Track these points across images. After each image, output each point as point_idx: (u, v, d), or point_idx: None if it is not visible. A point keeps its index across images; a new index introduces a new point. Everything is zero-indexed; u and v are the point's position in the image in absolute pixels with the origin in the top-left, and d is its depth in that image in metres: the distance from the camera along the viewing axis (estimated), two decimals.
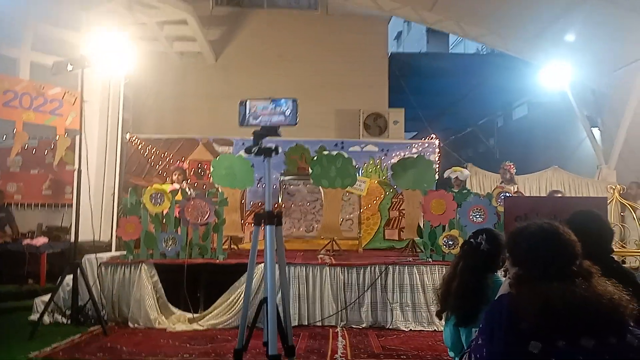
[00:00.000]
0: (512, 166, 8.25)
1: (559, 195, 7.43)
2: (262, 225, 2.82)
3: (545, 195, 8.60)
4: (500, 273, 2.79)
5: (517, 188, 8.10)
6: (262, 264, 5.21)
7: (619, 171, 9.26)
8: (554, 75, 9.68)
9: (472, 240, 2.81)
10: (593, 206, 5.06)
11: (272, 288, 2.69)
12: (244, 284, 5.81)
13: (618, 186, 7.89)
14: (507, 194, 6.70)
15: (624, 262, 6.50)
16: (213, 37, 11.01)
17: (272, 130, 2.90)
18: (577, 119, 10.14)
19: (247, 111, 2.92)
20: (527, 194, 8.98)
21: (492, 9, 9.63)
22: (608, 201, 6.82)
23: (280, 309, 2.82)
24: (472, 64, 14.48)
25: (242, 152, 8.80)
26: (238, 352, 2.83)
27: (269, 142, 3.01)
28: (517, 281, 1.80)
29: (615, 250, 6.20)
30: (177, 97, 10.69)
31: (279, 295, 3.08)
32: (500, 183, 8.33)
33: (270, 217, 2.81)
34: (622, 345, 1.59)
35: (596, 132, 10.01)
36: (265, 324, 2.68)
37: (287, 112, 2.89)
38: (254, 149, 2.86)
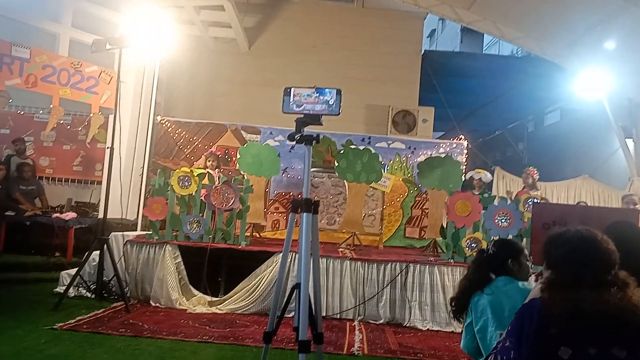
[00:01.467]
0: (535, 172, 8.11)
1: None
2: (299, 212, 2.85)
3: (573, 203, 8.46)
4: (532, 278, 2.79)
5: (541, 195, 7.98)
6: (283, 254, 5.27)
7: None
8: (589, 82, 9.46)
9: (483, 249, 3.01)
10: (624, 218, 4.99)
11: (305, 274, 2.72)
12: (265, 271, 5.89)
13: None
14: (536, 200, 6.59)
15: None
16: (248, 24, 11.06)
17: (314, 118, 2.92)
18: (611, 129, 9.92)
19: (291, 98, 2.94)
20: (555, 202, 8.85)
21: (531, 11, 9.44)
22: None
23: (312, 296, 2.85)
24: (506, 66, 14.21)
25: (269, 141, 8.86)
26: (268, 334, 2.88)
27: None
28: (550, 286, 1.78)
29: None
30: (208, 82, 10.78)
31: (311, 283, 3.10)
32: (523, 188, 8.21)
33: (308, 205, 2.84)
34: None
35: (630, 143, 9.78)
36: (297, 310, 2.72)
37: (331, 102, 2.91)
38: (296, 136, 2.88)
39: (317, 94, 2.90)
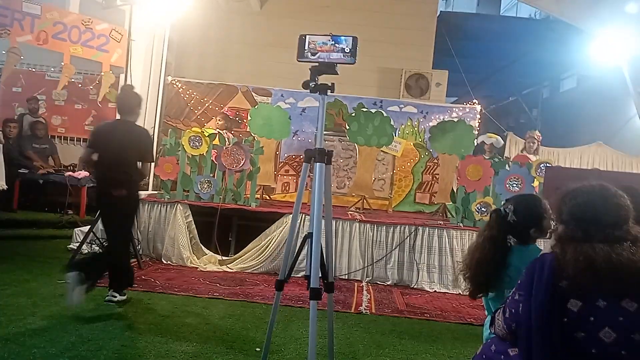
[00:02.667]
0: (539, 135, 7.81)
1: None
2: (312, 162, 2.85)
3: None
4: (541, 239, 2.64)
5: (539, 159, 7.72)
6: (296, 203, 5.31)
7: None
8: (608, 47, 9.21)
9: (500, 209, 2.58)
10: (639, 182, 4.94)
11: (317, 223, 2.74)
12: (275, 232, 5.96)
13: None
14: (549, 164, 6.51)
15: None
16: None
17: (330, 67, 2.88)
18: (628, 96, 9.70)
19: (306, 46, 2.90)
20: None
21: None
22: None
23: (323, 246, 2.87)
24: (524, 30, 13.83)
25: (280, 103, 8.79)
26: (280, 282, 2.93)
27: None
28: (561, 240, 1.78)
29: None
30: (219, 43, 10.63)
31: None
32: (522, 151, 7.96)
33: (322, 155, 2.83)
34: None
35: None
36: (309, 258, 2.76)
37: (347, 50, 2.87)
38: (311, 83, 2.85)
39: (333, 42, 2.85)
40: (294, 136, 8.75)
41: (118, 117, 4.37)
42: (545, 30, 12.70)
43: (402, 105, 9.49)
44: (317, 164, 2.81)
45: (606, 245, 1.63)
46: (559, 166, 6.83)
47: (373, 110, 7.70)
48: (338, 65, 2.87)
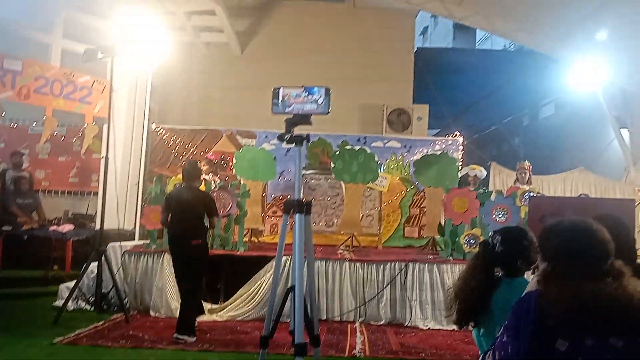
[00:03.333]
0: (530, 166, 7.96)
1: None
2: (291, 213, 2.84)
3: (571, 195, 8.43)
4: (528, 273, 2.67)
5: (534, 188, 7.83)
6: (285, 257, 5.26)
7: None
8: (583, 74, 9.46)
9: (488, 240, 2.63)
10: (620, 208, 5.00)
11: (300, 277, 2.71)
12: (264, 277, 5.88)
13: None
14: (532, 194, 6.58)
15: None
16: (240, 28, 11.03)
17: (304, 118, 2.92)
18: (606, 120, 9.91)
19: (280, 99, 2.94)
20: (552, 195, 8.83)
21: (522, 4, 9.43)
22: (635, 204, 6.68)
23: (307, 298, 2.84)
24: (499, 61, 14.24)
25: (265, 145, 8.84)
26: (264, 338, 2.87)
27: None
28: (546, 278, 1.77)
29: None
30: (202, 87, 10.75)
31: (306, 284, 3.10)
32: (515, 183, 8.10)
33: (300, 206, 2.83)
34: None
35: (625, 133, 9.78)
36: (292, 313, 2.71)
37: (320, 101, 2.91)
38: (286, 136, 2.88)
39: (306, 93, 2.89)
40: (280, 177, 8.77)
41: (184, 184, 5.23)
42: (521, 60, 13.06)
43: (385, 141, 9.61)
44: (297, 215, 2.81)
45: (591, 283, 1.63)
46: (543, 195, 6.91)
47: (357, 148, 7.77)
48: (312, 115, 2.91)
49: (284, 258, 5.25)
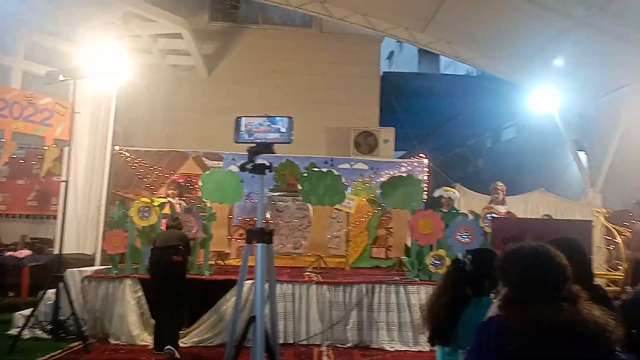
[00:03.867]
0: (503, 187, 8.10)
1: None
2: (253, 242, 2.81)
3: (532, 216, 8.63)
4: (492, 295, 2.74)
5: (507, 209, 8.02)
6: (250, 281, 5.18)
7: (605, 195, 9.36)
8: (542, 99, 9.81)
9: (460, 258, 2.76)
10: (579, 229, 5.14)
11: (261, 307, 2.67)
12: (230, 301, 5.78)
13: (604, 210, 7.99)
14: (495, 215, 6.72)
15: (608, 285, 6.54)
16: (207, 51, 11.06)
17: (267, 147, 2.92)
18: (565, 143, 10.26)
19: (243, 127, 2.94)
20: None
21: (484, 32, 9.78)
22: (593, 224, 6.89)
23: (269, 326, 2.80)
24: (463, 85, 14.64)
25: (232, 167, 8.79)
26: None
27: (262, 158, 3.02)
28: (506, 303, 1.80)
29: (599, 273, 6.25)
30: (168, 110, 10.68)
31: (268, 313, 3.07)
32: (490, 203, 8.27)
33: (262, 235, 2.81)
34: None
35: (582, 155, 10.13)
36: (254, 344, 2.66)
37: (283, 130, 2.92)
38: (248, 165, 2.87)
39: (269, 123, 2.90)
40: (246, 199, 8.70)
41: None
42: (484, 85, 13.44)
43: (352, 163, 9.71)
44: (259, 244, 2.78)
45: (549, 307, 1.66)
46: (504, 217, 7.04)
47: (324, 170, 7.81)
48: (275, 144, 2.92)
49: (248, 283, 5.19)
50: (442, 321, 2.53)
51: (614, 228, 7.56)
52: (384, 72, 13.13)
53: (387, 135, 10.90)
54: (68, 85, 7.46)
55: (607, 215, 7.80)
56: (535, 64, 9.83)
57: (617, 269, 7.00)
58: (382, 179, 8.92)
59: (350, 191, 8.99)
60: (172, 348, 4.94)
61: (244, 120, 2.92)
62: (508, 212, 7.60)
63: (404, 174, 8.74)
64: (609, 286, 6.55)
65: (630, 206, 7.48)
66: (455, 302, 2.55)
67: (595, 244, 6.89)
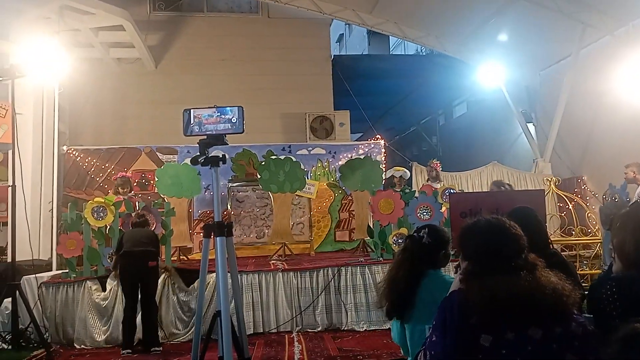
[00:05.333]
0: (438, 164, 8.39)
1: (507, 184, 7.52)
2: (212, 236, 2.75)
3: (487, 189, 8.87)
4: (452, 269, 2.83)
5: (443, 185, 8.21)
6: (214, 274, 5.12)
7: (554, 164, 9.74)
8: (489, 74, 10.06)
9: (415, 234, 2.83)
10: (532, 198, 5.33)
11: (225, 301, 2.63)
12: (195, 294, 5.70)
13: (554, 178, 8.31)
14: (452, 191, 6.88)
15: (563, 250, 6.84)
16: (152, 42, 10.72)
17: (218, 138, 2.85)
18: (513, 116, 10.58)
19: (192, 120, 2.85)
20: (470, 190, 9.27)
21: (429, 11, 9.91)
22: (545, 193, 7.17)
23: (234, 320, 2.77)
24: (413, 65, 14.82)
25: (187, 160, 8.60)
26: None
27: (215, 150, 2.96)
28: (467, 276, 1.84)
29: (553, 240, 6.52)
30: (116, 105, 10.33)
31: (232, 306, 3.03)
32: (427, 181, 8.50)
33: (221, 228, 2.75)
34: (567, 333, 1.65)
35: (531, 127, 10.48)
36: (220, 337, 2.62)
37: (234, 120, 2.85)
38: (200, 158, 2.79)
39: (219, 113, 2.83)
40: (205, 191, 8.57)
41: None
42: (433, 63, 13.65)
43: (310, 148, 9.69)
44: (218, 238, 2.73)
45: (507, 277, 1.71)
46: (462, 192, 7.25)
47: (282, 157, 7.77)
48: (227, 135, 2.86)
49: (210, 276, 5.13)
50: (400, 294, 2.59)
51: (565, 195, 7.88)
52: (335, 56, 13.11)
53: (342, 118, 10.93)
54: (6, 85, 7.09)
55: (557, 184, 8.11)
56: (480, 40, 10.06)
57: (570, 234, 7.31)
58: (340, 163, 8.95)
59: (310, 177, 8.99)
60: (158, 348, 5.17)
61: (192, 113, 2.84)
62: (444, 188, 7.78)
63: (362, 156, 8.80)
64: (564, 251, 6.85)
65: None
66: (413, 275, 2.63)
67: (548, 211, 7.15)
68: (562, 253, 4.51)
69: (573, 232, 7.27)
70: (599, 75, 8.22)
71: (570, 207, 7.61)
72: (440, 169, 8.43)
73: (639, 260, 1.93)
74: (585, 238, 7.29)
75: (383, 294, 2.70)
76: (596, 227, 7.39)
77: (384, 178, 8.60)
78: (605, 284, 1.96)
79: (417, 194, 6.83)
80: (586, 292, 2.15)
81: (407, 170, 8.66)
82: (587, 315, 1.96)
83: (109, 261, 5.87)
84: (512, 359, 1.61)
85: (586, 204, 7.82)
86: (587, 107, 8.69)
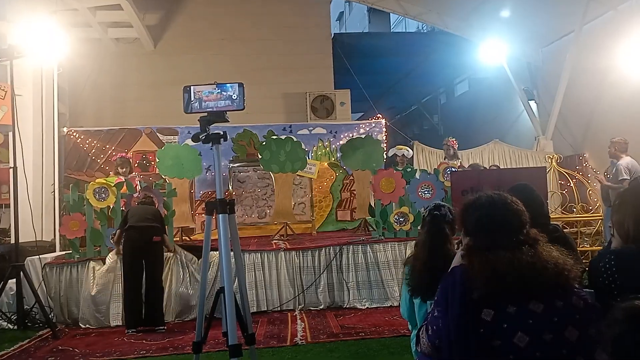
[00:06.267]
0: (455, 142, 8.35)
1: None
2: (215, 214, 2.76)
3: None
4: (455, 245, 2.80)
5: (461, 163, 8.27)
6: (216, 252, 5.15)
7: (555, 141, 9.70)
8: (491, 51, 9.96)
9: (436, 212, 2.73)
10: (534, 176, 5.33)
11: (228, 277, 2.64)
12: (199, 274, 5.74)
13: (555, 155, 8.29)
14: (453, 169, 6.87)
15: (564, 227, 6.85)
16: (150, 22, 10.61)
17: (219, 115, 2.82)
18: (515, 93, 10.50)
19: (192, 97, 2.83)
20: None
21: None
22: (547, 170, 7.16)
23: (238, 297, 2.79)
24: (414, 43, 14.67)
25: (188, 141, 8.59)
26: (197, 344, 2.79)
27: (216, 128, 2.95)
28: (468, 252, 1.84)
29: (555, 217, 6.52)
30: (116, 86, 10.27)
31: (236, 284, 3.05)
32: (444, 159, 8.48)
33: (223, 206, 2.74)
34: (568, 307, 1.67)
35: (533, 105, 10.41)
36: (224, 314, 2.65)
37: (234, 97, 2.82)
38: (201, 135, 2.78)
39: (219, 90, 2.80)
40: (207, 172, 8.57)
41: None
42: (434, 41, 13.51)
43: (311, 128, 9.66)
44: (220, 215, 2.72)
45: (508, 252, 1.71)
46: (462, 169, 7.22)
47: (283, 137, 7.74)
48: (228, 112, 2.83)
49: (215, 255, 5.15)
50: (436, 274, 2.41)
51: (566, 173, 7.87)
52: (335, 34, 12.98)
53: (343, 97, 10.86)
54: (4, 67, 7.04)
55: (559, 161, 8.09)
56: (482, 17, 9.93)
57: (571, 212, 7.32)
58: (341, 142, 8.93)
59: (311, 157, 8.98)
60: (163, 327, 5.21)
61: (192, 90, 2.81)
62: (460, 166, 7.83)
63: (363, 136, 8.77)
64: (565, 228, 6.86)
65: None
66: (442, 254, 2.50)
67: (550, 189, 7.15)
68: (563, 230, 4.52)
69: (574, 210, 7.28)
70: (601, 51, 8.14)
71: (572, 185, 7.60)
72: (457, 146, 8.37)
73: (637, 236, 1.94)
74: (586, 215, 7.30)
75: (417, 274, 2.56)
76: (597, 204, 7.39)
77: (385, 157, 8.59)
78: (604, 258, 1.98)
79: (417, 174, 6.83)
80: (586, 268, 2.16)
81: (409, 149, 8.65)
82: (587, 289, 1.97)
83: (111, 242, 5.90)
84: (513, 332, 1.62)
85: (587, 181, 7.81)
86: (589, 84, 8.62)
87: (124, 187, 6.22)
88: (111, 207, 6.10)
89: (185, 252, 5.90)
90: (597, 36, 8.29)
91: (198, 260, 5.82)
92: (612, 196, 6.15)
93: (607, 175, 6.76)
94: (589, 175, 7.88)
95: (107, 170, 8.41)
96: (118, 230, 5.53)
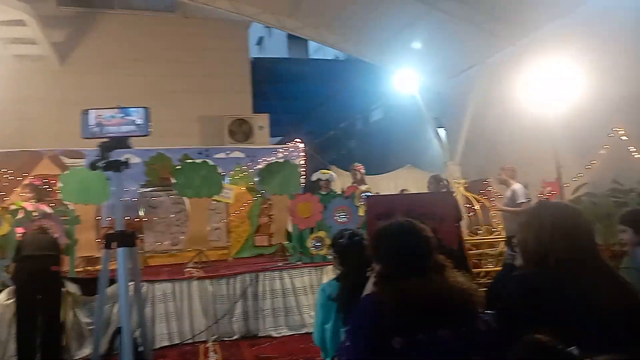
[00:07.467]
0: (361, 167, 8.52)
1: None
2: (113, 247, 2.58)
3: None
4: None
5: (369, 188, 8.37)
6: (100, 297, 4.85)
7: (463, 166, 10.23)
8: (404, 80, 10.39)
9: (347, 239, 2.73)
10: (443, 200, 5.54)
11: (126, 316, 2.47)
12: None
13: (462, 180, 8.73)
14: (369, 193, 7.01)
15: (470, 249, 7.18)
16: (57, 39, 10.04)
17: (121, 141, 2.67)
18: (426, 120, 11.00)
19: (92, 121, 2.66)
20: (386, 192, 9.50)
21: (347, 16, 10.07)
22: (454, 194, 7.49)
23: (138, 334, 2.61)
24: (332, 69, 15.05)
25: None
26: None
27: (126, 154, 2.79)
28: (380, 279, 1.85)
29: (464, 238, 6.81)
30: (16, 105, 9.56)
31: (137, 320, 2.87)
32: (352, 183, 8.62)
33: (124, 238, 2.57)
34: (472, 331, 1.71)
35: (442, 132, 10.95)
36: (121, 357, 2.46)
37: (139, 122, 2.70)
38: (100, 162, 2.61)
39: (122, 114, 2.67)
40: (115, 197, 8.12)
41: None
42: (352, 68, 13.91)
43: (228, 152, 9.52)
44: (120, 249, 2.54)
45: (418, 279, 1.74)
46: (377, 195, 7.39)
47: (199, 161, 7.55)
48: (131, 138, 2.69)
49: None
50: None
51: (472, 196, 8.29)
52: (255, 58, 12.99)
53: (261, 121, 10.83)
54: None
55: (466, 185, 8.52)
56: (396, 47, 10.37)
57: (477, 234, 7.69)
58: (260, 166, 8.85)
59: (228, 181, 8.80)
60: None
61: (92, 114, 2.65)
62: (367, 189, 7.95)
63: (281, 160, 8.76)
64: (471, 250, 7.20)
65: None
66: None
67: (463, 209, 7.48)
68: (469, 251, 4.73)
69: (480, 232, 7.66)
70: (503, 83, 8.73)
71: (477, 208, 8.01)
72: (364, 171, 8.50)
73: (539, 254, 2.02)
74: (490, 237, 7.71)
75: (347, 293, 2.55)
76: (501, 226, 7.83)
77: (307, 181, 8.60)
78: (505, 281, 2.06)
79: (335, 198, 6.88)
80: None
81: (333, 174, 8.71)
82: (489, 311, 2.03)
83: (5, 274, 5.39)
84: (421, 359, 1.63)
85: (491, 205, 8.28)
86: (493, 113, 9.20)
87: (21, 213, 5.73)
88: (5, 236, 5.58)
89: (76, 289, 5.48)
90: (499, 69, 8.91)
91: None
92: (508, 220, 6.49)
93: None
94: (491, 199, 8.35)
95: (2, 196, 7.75)
96: (12, 263, 5.07)
